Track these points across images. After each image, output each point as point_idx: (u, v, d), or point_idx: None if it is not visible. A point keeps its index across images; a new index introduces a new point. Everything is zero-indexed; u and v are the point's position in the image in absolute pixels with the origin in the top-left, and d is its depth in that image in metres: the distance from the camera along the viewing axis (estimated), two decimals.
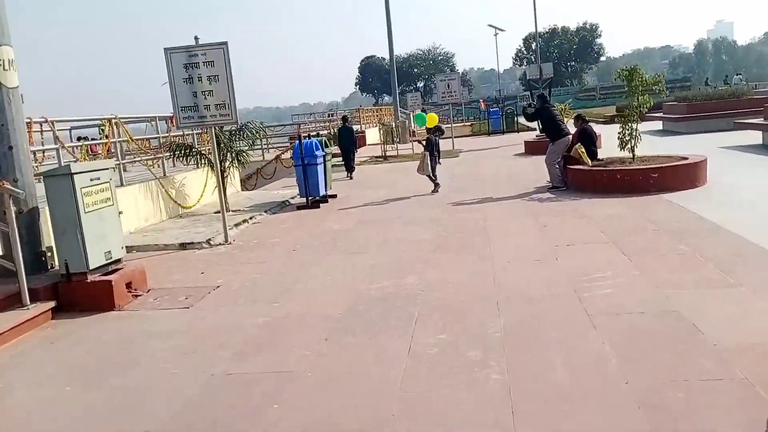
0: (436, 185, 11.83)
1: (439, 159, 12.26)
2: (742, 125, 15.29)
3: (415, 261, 6.64)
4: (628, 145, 10.41)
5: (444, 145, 15.38)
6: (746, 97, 20.13)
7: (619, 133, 10.49)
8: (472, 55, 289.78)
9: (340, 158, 16.54)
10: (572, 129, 11.46)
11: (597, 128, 25.97)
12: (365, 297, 5.51)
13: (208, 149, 11.01)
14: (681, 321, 4.29)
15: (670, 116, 20.69)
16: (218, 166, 9.48)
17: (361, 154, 21.04)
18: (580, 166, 10.54)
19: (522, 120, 26.99)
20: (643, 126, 11.32)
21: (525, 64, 72.71)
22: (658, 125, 22.48)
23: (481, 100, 47.38)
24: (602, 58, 72.99)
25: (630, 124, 10.34)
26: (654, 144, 16.73)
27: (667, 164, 9.79)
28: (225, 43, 8.22)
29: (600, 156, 11.33)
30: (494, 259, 6.42)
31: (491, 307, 4.91)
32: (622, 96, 58.09)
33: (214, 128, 9.18)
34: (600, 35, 70.10)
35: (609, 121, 29.35)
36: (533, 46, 69.24)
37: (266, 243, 8.47)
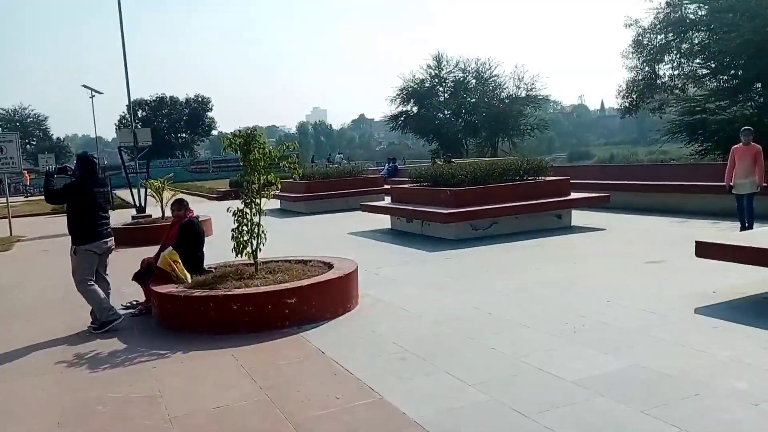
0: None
1: None
2: (369, 208, 13.32)
3: None
4: (247, 249, 6.71)
5: None
6: (362, 176, 19.08)
7: (233, 230, 6.72)
8: (72, 120, 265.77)
9: None
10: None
11: (207, 207, 22.64)
12: None
13: None
14: None
15: (289, 195, 18.31)
16: None
17: None
18: (172, 289, 6.33)
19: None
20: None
21: None
22: (276, 203, 20.04)
23: (25, 172, 34.62)
24: (214, 132, 71.76)
25: (248, 216, 6.68)
26: (276, 230, 13.82)
27: (308, 279, 6.30)
28: None
29: (211, 262, 7.39)
30: None
31: None
32: (239, 170, 57.00)
33: None
34: (211, 109, 68.70)
35: (222, 197, 26.22)
36: (139, 113, 63.87)
37: None
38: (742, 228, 9.58)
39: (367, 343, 5.36)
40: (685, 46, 31.07)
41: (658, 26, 32.16)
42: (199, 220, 7.49)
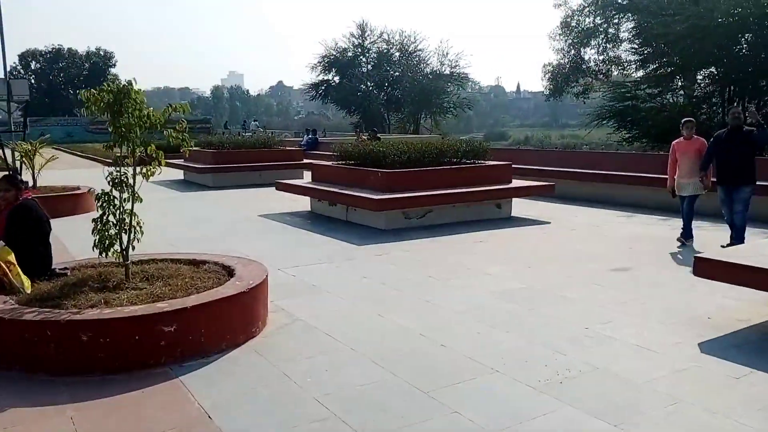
0: None
1: None
2: (286, 187, 11.54)
3: None
4: (115, 246, 4.90)
5: None
6: (279, 148, 17.15)
7: (95, 221, 4.88)
8: None
9: None
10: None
11: (100, 175, 20.02)
12: None
13: None
14: None
15: (194, 165, 16.17)
16: None
17: None
18: None
19: None
20: (162, 175, 5.99)
21: None
22: (179, 174, 17.78)
23: None
24: None
25: (116, 202, 4.87)
26: (173, 207, 11.77)
27: (196, 296, 4.54)
28: None
29: (64, 260, 5.49)
30: None
31: None
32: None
33: None
34: (115, 65, 63.16)
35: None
36: (33, 65, 57.89)
37: None
38: (685, 235, 8.10)
39: (277, 399, 3.74)
40: (611, 30, 30.87)
41: (587, 8, 31.77)
42: (37, 202, 5.49)
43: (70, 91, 61.62)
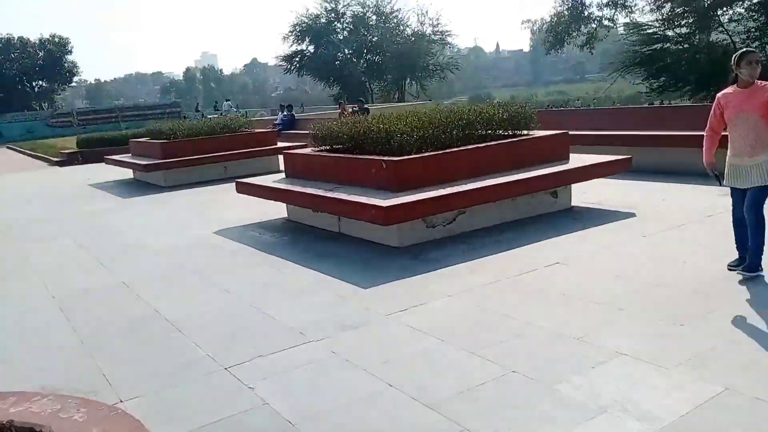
0: None
1: None
2: (248, 189, 8.27)
3: None
4: None
5: None
6: (245, 131, 13.80)
7: None
8: None
9: None
10: None
11: (33, 178, 16.51)
12: None
13: None
14: None
15: (139, 162, 12.87)
16: None
17: None
18: None
19: None
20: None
21: None
22: (128, 173, 14.42)
23: None
24: (76, 78, 61.91)
25: None
26: (98, 228, 8.27)
27: None
28: None
29: None
30: None
31: None
32: (116, 121, 48.35)
33: None
34: (71, 51, 58.42)
35: (66, 161, 20.18)
36: None
37: None
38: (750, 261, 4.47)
39: None
40: None
41: None
42: None
43: (26, 83, 57.20)
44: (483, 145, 6.85)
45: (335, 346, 3.95)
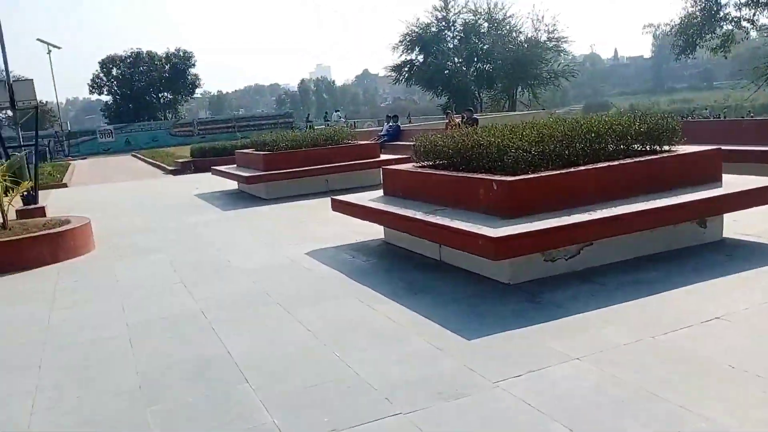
0: None
1: None
2: (343, 207, 7.60)
3: None
4: None
5: None
6: (348, 143, 13.30)
7: None
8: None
9: None
10: None
11: (136, 188, 16.93)
12: None
13: None
14: None
15: (241, 174, 12.70)
16: None
17: None
18: None
19: None
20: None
21: (105, 92, 60.08)
22: (233, 185, 14.35)
23: None
24: (199, 90, 65.35)
25: None
26: (193, 243, 7.89)
27: None
28: None
29: None
30: None
31: None
32: (233, 131, 50.39)
33: None
34: (194, 65, 61.88)
35: (180, 170, 20.75)
36: (114, 71, 57.51)
37: None
38: None
39: None
40: None
41: None
42: None
43: (153, 95, 61.08)
44: (616, 163, 5.74)
45: (428, 424, 3.09)
